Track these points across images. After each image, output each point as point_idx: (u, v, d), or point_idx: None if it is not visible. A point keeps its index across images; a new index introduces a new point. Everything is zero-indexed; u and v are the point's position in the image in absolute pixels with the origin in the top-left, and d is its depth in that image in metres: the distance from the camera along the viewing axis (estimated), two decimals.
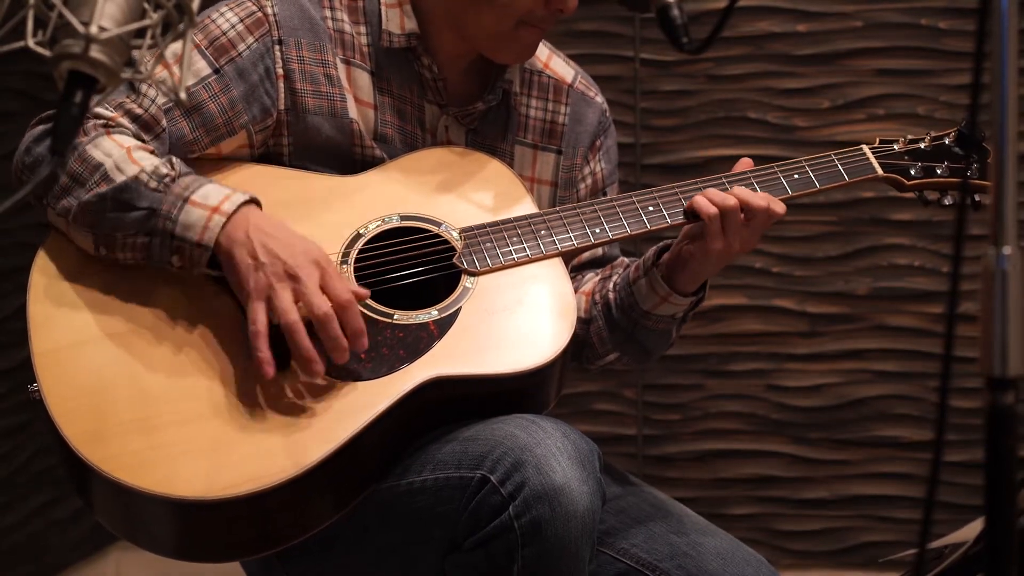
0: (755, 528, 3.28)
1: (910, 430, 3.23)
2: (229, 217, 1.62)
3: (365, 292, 1.66)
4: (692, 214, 1.78)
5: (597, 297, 1.91)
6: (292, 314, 1.59)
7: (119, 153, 1.64)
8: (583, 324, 1.91)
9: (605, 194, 2.00)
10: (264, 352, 1.58)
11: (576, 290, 1.93)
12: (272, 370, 1.59)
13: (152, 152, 1.69)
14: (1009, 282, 1.05)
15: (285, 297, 1.60)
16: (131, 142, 1.68)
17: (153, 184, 1.63)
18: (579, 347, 1.92)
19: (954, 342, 1.13)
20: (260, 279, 1.60)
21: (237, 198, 1.64)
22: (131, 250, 1.64)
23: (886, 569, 2.74)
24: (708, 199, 1.76)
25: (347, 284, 1.64)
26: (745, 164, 1.86)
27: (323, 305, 1.60)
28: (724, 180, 1.85)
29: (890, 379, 3.24)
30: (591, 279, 1.96)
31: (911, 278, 3.21)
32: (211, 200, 1.63)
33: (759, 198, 1.77)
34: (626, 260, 1.95)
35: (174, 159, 1.67)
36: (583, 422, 3.22)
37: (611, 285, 1.90)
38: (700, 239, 1.77)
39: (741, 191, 1.77)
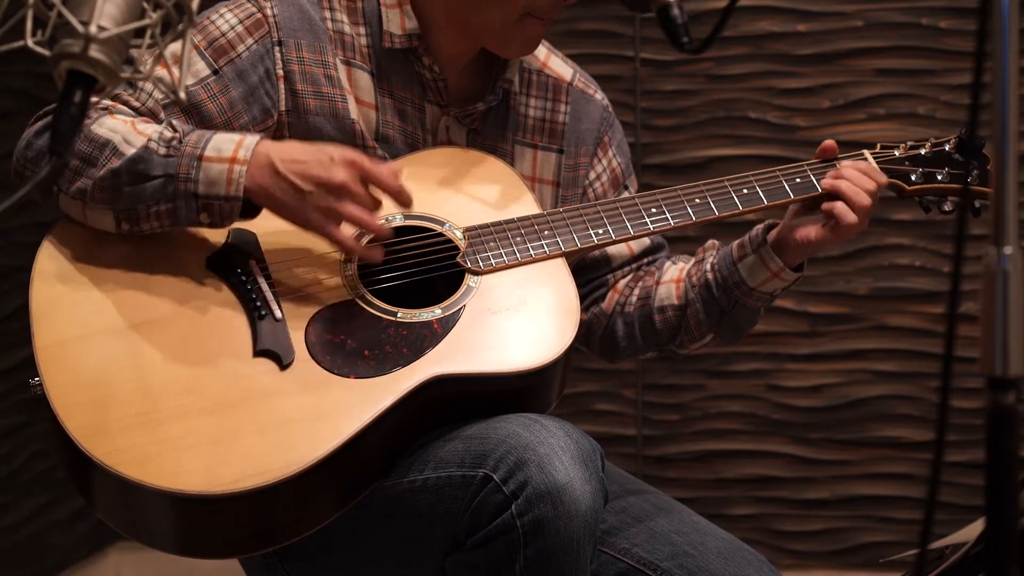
0: (755, 528, 3.28)
1: (910, 430, 3.23)
2: (248, 163, 1.63)
3: (400, 165, 1.72)
4: (817, 179, 1.85)
5: (694, 279, 1.93)
6: (372, 223, 1.67)
7: (124, 128, 1.65)
8: (677, 310, 1.93)
9: (627, 188, 2.01)
10: (367, 249, 1.69)
11: (658, 282, 1.96)
12: (382, 253, 1.70)
13: (152, 122, 1.70)
14: (1010, 282, 1.05)
15: (351, 210, 1.65)
16: (132, 116, 1.69)
17: (163, 150, 1.63)
18: (672, 333, 1.94)
19: (955, 342, 1.13)
20: (317, 206, 1.64)
21: (249, 142, 1.65)
22: (156, 219, 1.65)
23: (887, 569, 2.74)
24: (853, 196, 1.81)
25: (383, 168, 1.67)
26: (829, 147, 1.89)
27: (373, 213, 1.67)
28: (728, 185, 1.86)
29: (890, 379, 3.23)
30: (671, 268, 1.98)
31: (912, 278, 3.21)
32: (225, 151, 1.64)
33: (875, 172, 1.84)
34: (716, 243, 1.96)
35: (173, 121, 1.68)
36: (583, 422, 3.22)
37: (708, 267, 1.92)
38: (827, 222, 1.82)
39: (857, 167, 1.83)
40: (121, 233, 1.67)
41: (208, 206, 1.64)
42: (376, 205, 1.67)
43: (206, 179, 1.63)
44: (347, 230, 1.68)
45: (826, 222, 1.82)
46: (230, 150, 1.64)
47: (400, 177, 1.68)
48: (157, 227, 1.67)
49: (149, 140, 1.64)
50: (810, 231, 1.83)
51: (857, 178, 1.82)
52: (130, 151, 1.63)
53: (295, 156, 1.65)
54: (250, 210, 1.67)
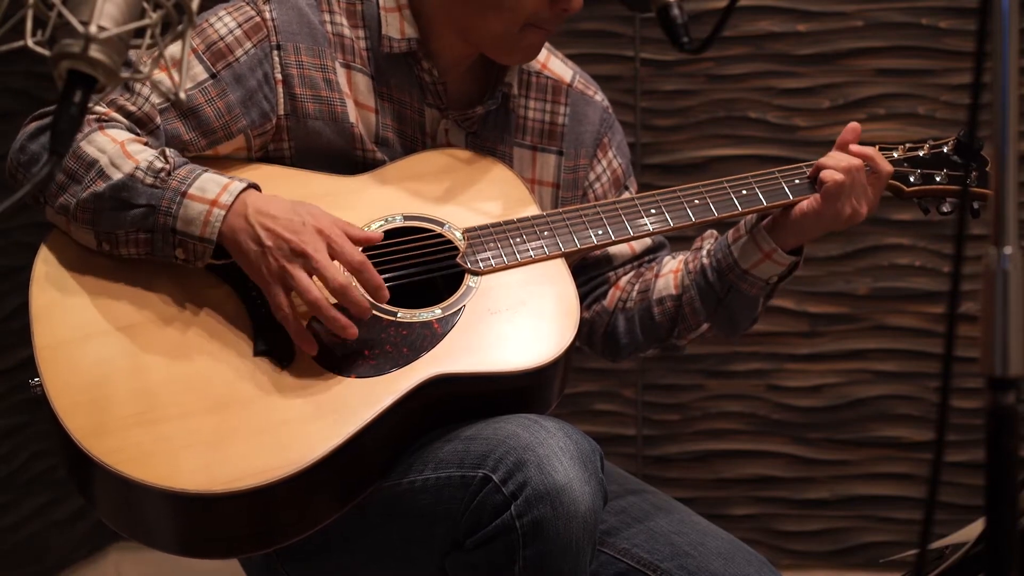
0: (755, 528, 3.28)
1: (910, 430, 3.23)
2: (229, 208, 1.62)
3: (377, 236, 1.69)
4: (815, 182, 1.86)
5: (690, 267, 1.93)
6: (312, 292, 1.61)
7: (113, 149, 1.64)
8: (675, 299, 1.93)
9: (627, 188, 2.02)
10: (301, 332, 1.62)
11: (657, 275, 1.96)
12: (315, 348, 1.62)
13: (146, 144, 1.69)
14: (1010, 282, 1.05)
15: (301, 277, 1.61)
16: (124, 135, 1.68)
17: (149, 180, 1.63)
18: (671, 325, 1.95)
19: (955, 342, 1.13)
20: (271, 264, 1.61)
21: (235, 188, 1.64)
22: (134, 246, 1.65)
23: (887, 569, 2.74)
24: (835, 163, 1.83)
25: (353, 245, 1.65)
26: (853, 129, 1.90)
27: (337, 276, 1.62)
28: (727, 186, 1.86)
29: (890, 379, 3.23)
30: (670, 261, 1.99)
31: (912, 278, 3.21)
32: (208, 193, 1.63)
33: (877, 154, 1.86)
34: (715, 232, 1.97)
35: (167, 151, 1.67)
36: (583, 422, 3.22)
37: (704, 253, 1.93)
38: (824, 202, 1.83)
39: (861, 150, 1.85)
40: (102, 252, 1.67)
41: (183, 243, 1.63)
42: (334, 277, 1.61)
43: (185, 216, 1.62)
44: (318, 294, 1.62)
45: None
46: (214, 192, 1.63)
47: (367, 255, 1.65)
48: (135, 254, 1.66)
49: (137, 168, 1.63)
50: (803, 203, 1.85)
51: (838, 153, 1.87)
52: (116, 176, 1.63)
53: (271, 211, 1.63)
54: (224, 253, 1.66)
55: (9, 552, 2.98)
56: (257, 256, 1.62)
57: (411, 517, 1.63)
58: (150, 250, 1.65)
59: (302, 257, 1.62)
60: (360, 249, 1.66)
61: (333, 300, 1.64)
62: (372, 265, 1.65)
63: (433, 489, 1.61)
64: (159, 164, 1.64)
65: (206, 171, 1.66)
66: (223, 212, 1.62)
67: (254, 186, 1.67)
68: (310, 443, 1.57)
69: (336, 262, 1.63)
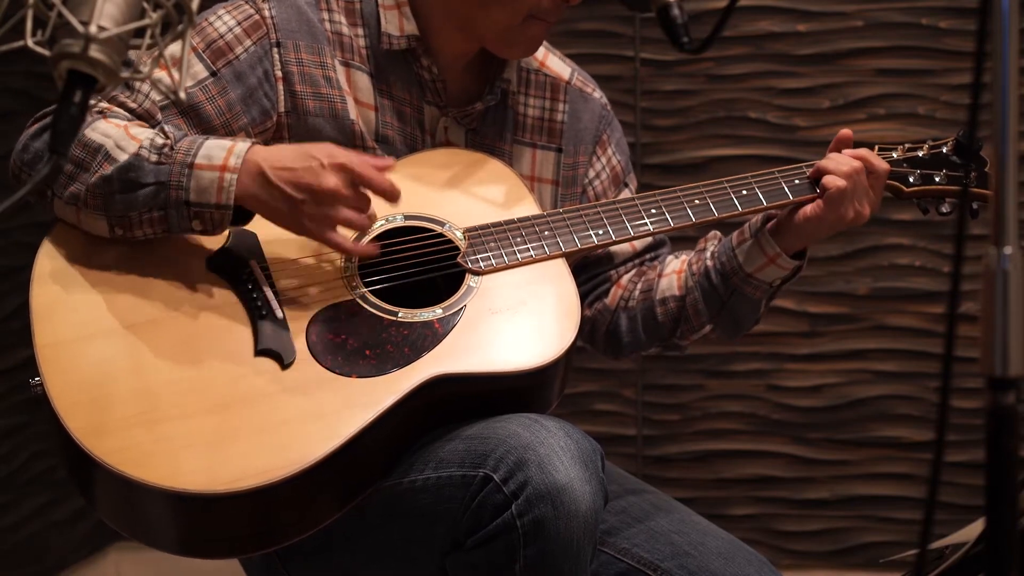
0: (755, 528, 3.28)
1: (910, 430, 3.23)
2: (239, 170, 1.63)
3: (390, 161, 1.72)
4: (816, 183, 1.86)
5: (694, 268, 1.94)
6: (365, 223, 1.68)
7: (117, 132, 1.65)
8: (678, 300, 1.93)
9: (627, 185, 2.02)
10: (366, 249, 1.70)
11: (660, 275, 1.97)
12: (377, 249, 1.71)
13: (146, 126, 1.70)
14: (1010, 282, 1.05)
15: (346, 215, 1.66)
16: (126, 121, 1.69)
17: (154, 157, 1.63)
18: (674, 325, 1.95)
19: (955, 342, 1.13)
20: (312, 214, 1.64)
21: (240, 149, 1.64)
22: (148, 226, 1.65)
23: (887, 569, 2.74)
24: (836, 168, 1.84)
25: (372, 169, 1.67)
26: (846, 136, 1.90)
27: (367, 217, 1.68)
28: (727, 186, 1.86)
29: (890, 379, 3.23)
30: (673, 261, 1.99)
31: (912, 278, 3.21)
32: (215, 159, 1.63)
33: (872, 154, 1.87)
34: (719, 233, 1.97)
35: (165, 127, 1.68)
36: (583, 422, 3.22)
37: (708, 255, 1.93)
38: (827, 206, 1.83)
39: (856, 152, 1.86)
40: (115, 238, 1.67)
41: (199, 214, 1.64)
42: (366, 205, 1.67)
43: (197, 187, 1.63)
44: (344, 232, 1.68)
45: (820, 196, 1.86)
46: (221, 157, 1.64)
47: (388, 172, 1.69)
48: (151, 233, 1.66)
49: (141, 147, 1.64)
50: (806, 208, 1.86)
51: (838, 155, 1.88)
52: (122, 157, 1.63)
53: (285, 163, 1.64)
54: (241, 216, 1.67)
55: (9, 552, 2.99)
56: (292, 210, 1.64)
57: (412, 517, 1.63)
58: (166, 227, 1.65)
59: (337, 198, 1.64)
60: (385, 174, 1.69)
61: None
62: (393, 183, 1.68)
63: (434, 488, 1.61)
64: (160, 140, 1.65)
65: (207, 139, 1.67)
66: (234, 175, 1.63)
67: (257, 143, 1.68)
68: (311, 443, 1.57)
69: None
